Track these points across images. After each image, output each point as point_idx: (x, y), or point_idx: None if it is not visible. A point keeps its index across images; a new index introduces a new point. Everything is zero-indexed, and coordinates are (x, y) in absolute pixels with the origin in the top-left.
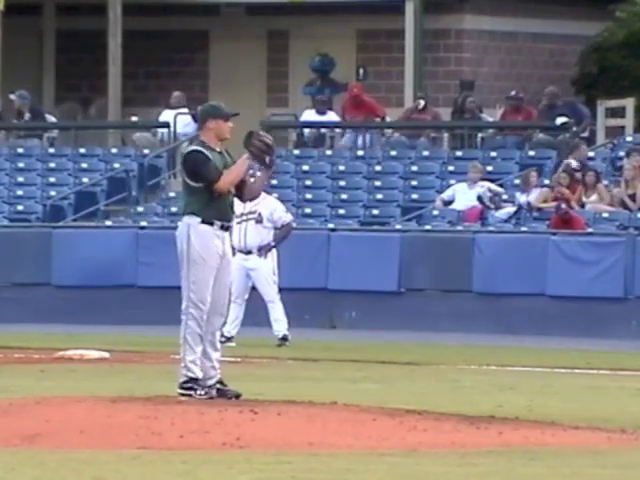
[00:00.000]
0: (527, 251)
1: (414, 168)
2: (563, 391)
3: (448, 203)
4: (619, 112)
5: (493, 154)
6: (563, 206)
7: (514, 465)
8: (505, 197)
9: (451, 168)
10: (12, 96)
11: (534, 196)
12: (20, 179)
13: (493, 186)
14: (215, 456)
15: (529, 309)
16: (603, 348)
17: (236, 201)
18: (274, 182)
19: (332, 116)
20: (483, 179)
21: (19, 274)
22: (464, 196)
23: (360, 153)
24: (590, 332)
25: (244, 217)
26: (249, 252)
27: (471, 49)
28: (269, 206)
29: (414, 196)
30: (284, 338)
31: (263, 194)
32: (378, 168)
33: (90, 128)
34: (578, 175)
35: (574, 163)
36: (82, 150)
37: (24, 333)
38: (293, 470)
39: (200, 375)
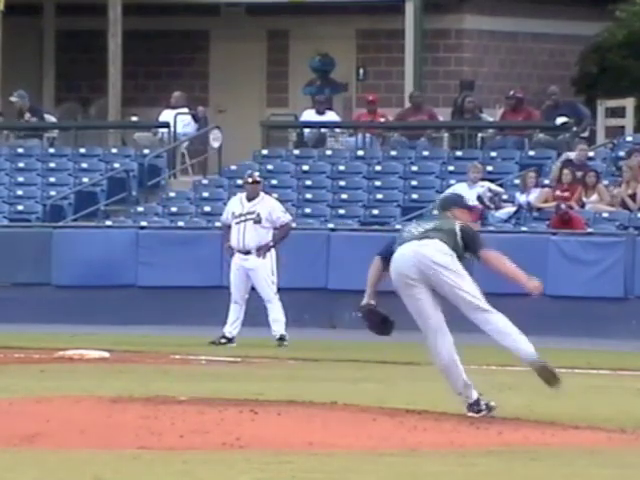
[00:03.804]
0: (527, 251)
1: (414, 168)
2: (563, 391)
3: None
4: (619, 112)
5: (493, 154)
6: (563, 206)
7: (514, 465)
8: (505, 197)
9: (451, 168)
10: (13, 98)
11: (534, 196)
12: (20, 179)
13: (493, 186)
14: (215, 456)
15: (529, 309)
16: (603, 348)
17: (234, 201)
18: (274, 182)
19: (332, 116)
20: (483, 179)
21: (19, 274)
22: (464, 189)
23: (360, 153)
24: (590, 332)
25: (243, 217)
26: (248, 252)
27: (471, 49)
28: (267, 206)
29: (414, 196)
30: (282, 338)
31: (262, 194)
32: (378, 168)
33: (90, 128)
34: (578, 174)
35: (572, 155)
36: (82, 150)
37: (24, 333)
38: (293, 470)
39: None
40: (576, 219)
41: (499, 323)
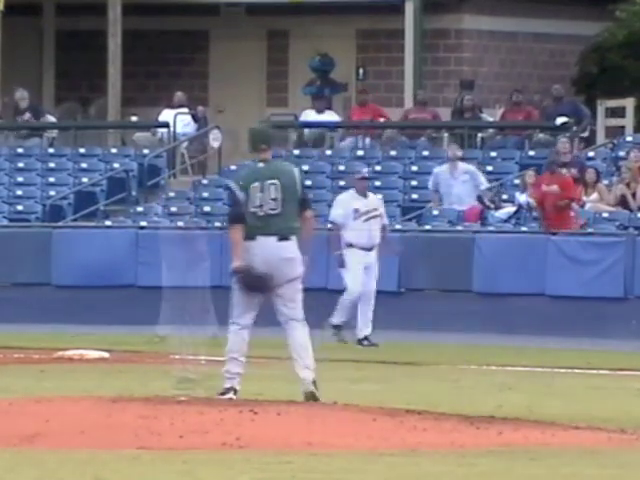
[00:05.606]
0: (527, 251)
1: (414, 168)
2: (563, 391)
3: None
4: (619, 112)
5: (493, 154)
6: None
7: (514, 465)
8: (505, 197)
9: None
10: (21, 91)
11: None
12: (20, 179)
13: (473, 168)
14: (215, 456)
15: (529, 309)
16: (603, 348)
17: (348, 199)
18: None
19: (331, 115)
20: (462, 159)
21: (19, 274)
22: (447, 177)
23: (360, 153)
24: (590, 332)
25: (370, 214)
26: (371, 248)
27: (471, 49)
28: (378, 202)
29: (414, 196)
30: (366, 338)
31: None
32: (378, 168)
33: (90, 128)
34: (574, 172)
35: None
36: (82, 150)
37: (24, 333)
38: (293, 470)
39: None
40: (567, 181)
41: None
